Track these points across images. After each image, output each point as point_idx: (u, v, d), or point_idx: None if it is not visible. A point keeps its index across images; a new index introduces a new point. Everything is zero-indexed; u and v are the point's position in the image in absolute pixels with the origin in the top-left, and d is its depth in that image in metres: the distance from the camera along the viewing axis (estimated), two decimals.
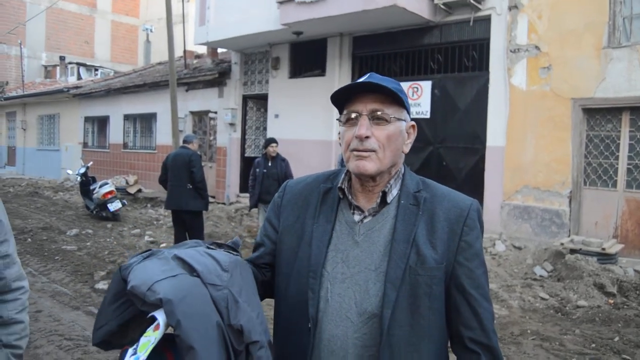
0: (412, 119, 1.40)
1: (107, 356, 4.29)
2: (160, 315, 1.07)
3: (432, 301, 1.26)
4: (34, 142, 22.58)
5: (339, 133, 1.38)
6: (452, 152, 9.38)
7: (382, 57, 10.43)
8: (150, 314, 1.10)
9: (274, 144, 8.09)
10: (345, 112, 1.33)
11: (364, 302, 1.26)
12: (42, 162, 21.43)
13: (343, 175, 1.39)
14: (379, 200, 1.33)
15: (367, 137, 1.26)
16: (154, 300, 1.07)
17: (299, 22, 9.95)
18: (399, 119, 1.32)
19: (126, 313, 1.20)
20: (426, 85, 9.51)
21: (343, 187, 1.37)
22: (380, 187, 1.34)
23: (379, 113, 1.28)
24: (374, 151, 1.27)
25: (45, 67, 26.94)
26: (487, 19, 8.82)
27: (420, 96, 9.60)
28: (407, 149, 1.37)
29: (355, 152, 1.28)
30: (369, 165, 1.27)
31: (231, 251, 1.33)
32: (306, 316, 1.29)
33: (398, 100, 1.30)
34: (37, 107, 22.19)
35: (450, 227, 1.29)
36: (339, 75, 10.89)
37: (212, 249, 1.30)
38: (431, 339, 1.27)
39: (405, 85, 9.35)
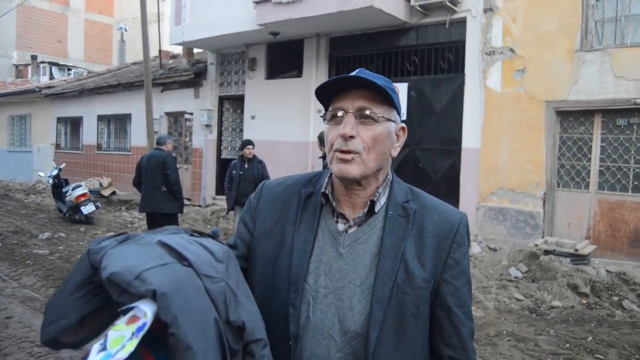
0: None
1: None
2: (146, 308, 0.93)
3: (418, 321, 1.21)
4: (4, 143, 22.06)
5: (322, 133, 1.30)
6: (428, 153, 9.43)
7: (359, 58, 10.43)
8: (125, 306, 0.96)
9: (250, 146, 8.04)
10: (330, 108, 1.23)
11: (347, 320, 1.18)
12: (13, 163, 20.93)
13: (326, 179, 1.30)
14: (366, 210, 1.24)
15: (351, 137, 1.17)
16: (144, 291, 0.92)
17: (275, 23, 9.89)
18: (388, 120, 1.22)
19: (90, 304, 1.04)
20: (402, 87, 9.54)
21: (327, 192, 1.28)
22: (367, 194, 1.25)
23: (366, 112, 1.19)
24: (357, 153, 1.18)
25: (17, 66, 26.36)
26: (462, 22, 8.89)
27: None
28: (395, 153, 1.27)
29: (338, 154, 1.19)
30: (352, 169, 1.18)
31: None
32: (285, 333, 1.20)
33: (388, 99, 1.21)
34: (8, 107, 21.68)
35: (439, 243, 1.23)
36: (315, 76, 10.86)
37: (196, 236, 1.18)
38: (415, 359, 1.23)
39: None
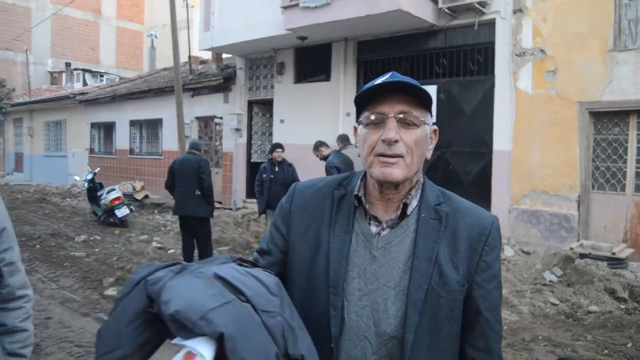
0: None
1: None
2: (203, 348, 0.94)
3: (452, 325, 1.21)
4: (40, 148, 22.68)
5: (355, 135, 1.29)
6: (458, 156, 9.36)
7: (387, 61, 10.42)
8: (178, 340, 0.98)
9: (279, 149, 8.09)
10: (367, 112, 1.22)
11: (382, 322, 1.19)
12: (49, 168, 21.51)
13: (358, 182, 1.30)
14: (399, 212, 1.24)
15: (395, 142, 1.18)
16: (211, 333, 0.94)
17: (303, 27, 9.96)
18: (425, 123, 1.23)
19: (144, 335, 1.06)
20: (431, 90, 9.49)
21: (360, 194, 1.28)
22: (401, 197, 1.25)
23: (407, 116, 1.19)
24: (401, 157, 1.18)
25: (51, 73, 27.11)
26: (491, 23, 8.81)
27: None
28: (429, 155, 1.28)
29: (381, 158, 1.19)
30: (396, 172, 1.18)
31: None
32: (326, 335, 1.20)
33: (425, 103, 1.23)
34: (44, 114, 22.30)
35: (471, 246, 1.23)
36: (343, 80, 10.89)
37: (245, 266, 1.21)
38: None
39: None
